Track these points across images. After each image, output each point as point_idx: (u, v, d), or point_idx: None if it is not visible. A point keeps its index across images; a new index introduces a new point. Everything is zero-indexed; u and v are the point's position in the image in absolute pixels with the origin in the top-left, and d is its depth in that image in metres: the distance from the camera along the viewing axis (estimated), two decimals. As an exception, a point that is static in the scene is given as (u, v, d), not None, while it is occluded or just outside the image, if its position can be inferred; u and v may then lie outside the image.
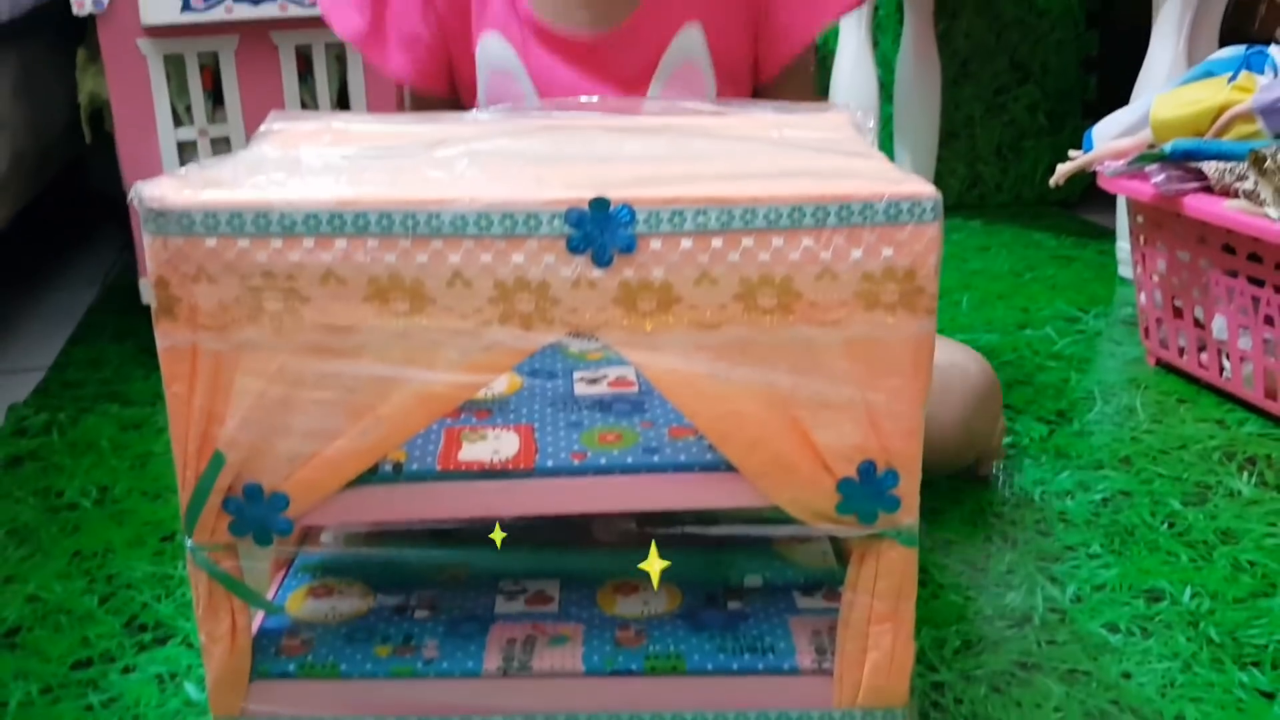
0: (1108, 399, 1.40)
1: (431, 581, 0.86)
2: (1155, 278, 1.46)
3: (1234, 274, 1.32)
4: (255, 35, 1.52)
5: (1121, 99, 1.62)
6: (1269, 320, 1.29)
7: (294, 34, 1.54)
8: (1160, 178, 1.35)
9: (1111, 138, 1.46)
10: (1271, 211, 1.23)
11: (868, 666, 0.75)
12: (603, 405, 0.84)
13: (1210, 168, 1.30)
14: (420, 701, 0.77)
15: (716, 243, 0.66)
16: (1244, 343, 1.34)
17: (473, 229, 0.66)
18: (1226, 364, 1.37)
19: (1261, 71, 1.34)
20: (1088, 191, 2.28)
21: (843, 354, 0.68)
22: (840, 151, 0.75)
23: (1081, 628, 0.95)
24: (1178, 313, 1.44)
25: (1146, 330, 1.50)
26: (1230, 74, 1.35)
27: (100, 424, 1.39)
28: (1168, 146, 1.32)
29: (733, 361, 0.68)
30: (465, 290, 0.67)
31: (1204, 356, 1.41)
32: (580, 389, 0.88)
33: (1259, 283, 1.29)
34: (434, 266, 0.67)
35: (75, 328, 1.72)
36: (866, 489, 0.71)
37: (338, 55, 1.60)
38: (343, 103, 1.61)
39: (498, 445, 0.77)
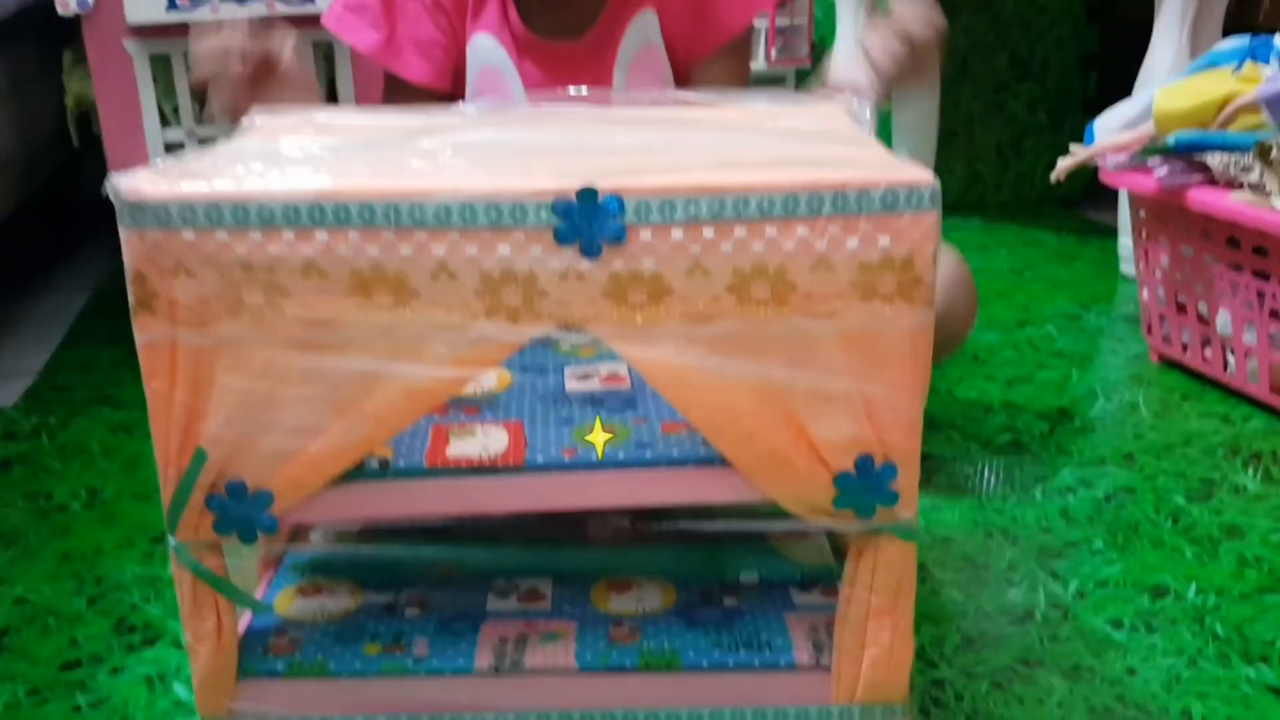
0: (1110, 395, 1.39)
1: (421, 579, 0.84)
2: (1158, 273, 1.44)
3: (1239, 268, 1.31)
4: (244, 34, 1.51)
5: (1122, 95, 1.60)
6: (1275, 314, 1.28)
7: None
8: (1163, 171, 1.33)
9: (1113, 131, 1.44)
10: (1278, 203, 1.21)
11: (866, 662, 0.73)
12: (594, 401, 0.83)
13: (1215, 160, 1.29)
14: (410, 700, 0.75)
15: (708, 233, 0.65)
16: (1249, 338, 1.32)
17: (457, 220, 0.65)
18: (1231, 359, 1.36)
19: (1267, 61, 1.32)
20: (1088, 189, 2.26)
21: (839, 346, 0.67)
22: (835, 140, 0.73)
23: (1084, 624, 0.93)
24: (1181, 308, 1.42)
25: (1149, 326, 1.49)
26: (1235, 64, 1.33)
27: (90, 427, 1.37)
28: (1171, 139, 1.31)
29: (726, 354, 0.67)
30: (451, 283, 0.66)
31: (1208, 352, 1.39)
32: (571, 385, 0.86)
33: (1264, 276, 1.28)
34: (418, 259, 0.65)
35: (66, 333, 1.71)
36: (864, 483, 0.69)
37: (325, 54, 1.59)
38: (331, 101, 1.59)
39: (486, 441, 0.76)
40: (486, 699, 0.75)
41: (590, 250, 0.65)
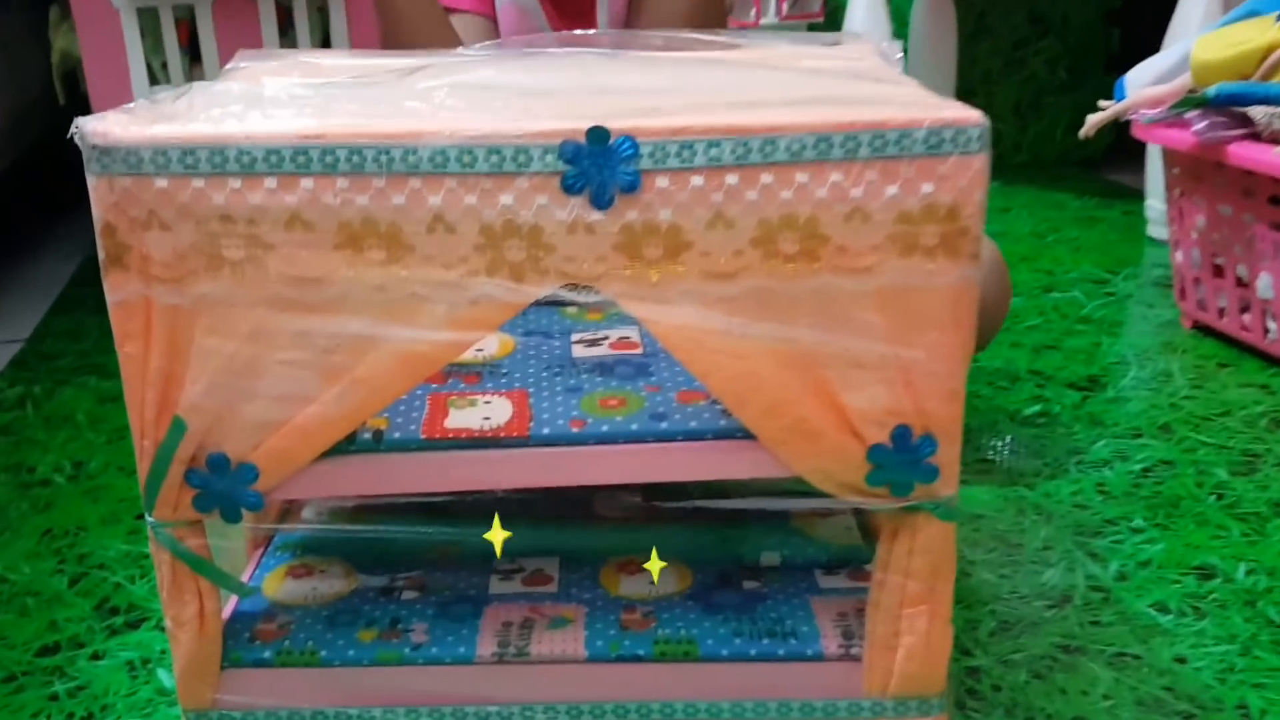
0: (1143, 364, 1.33)
1: (420, 560, 0.79)
2: (1193, 234, 1.37)
3: (1280, 228, 1.24)
4: (234, -14, 1.45)
5: (1147, 52, 1.52)
6: (1318, 277, 1.21)
7: (275, -16, 1.46)
8: (1201, 125, 1.26)
9: (1146, 85, 1.37)
10: (1323, 160, 1.14)
11: (901, 652, 0.67)
12: (604, 368, 0.77)
13: (1258, 113, 1.22)
14: (407, 690, 0.70)
15: (731, 179, 0.58)
16: (1290, 302, 1.26)
17: (455, 166, 0.58)
18: (1272, 325, 1.29)
19: (1311, 10, 1.25)
20: (1110, 150, 2.19)
21: (875, 305, 0.60)
22: (869, 78, 0.67)
23: (1128, 608, 0.87)
24: (1218, 271, 1.35)
25: (1182, 291, 1.42)
26: (1277, 13, 1.26)
27: (78, 396, 1.32)
28: (1211, 91, 1.24)
29: (750, 315, 0.61)
30: (448, 236, 0.60)
31: (1246, 318, 1.33)
32: (579, 351, 0.80)
33: (1308, 237, 1.21)
34: (412, 209, 0.59)
35: (55, 299, 1.66)
36: (900, 457, 0.63)
37: (319, 6, 1.52)
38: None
39: (488, 412, 0.70)
40: (489, 689, 0.69)
41: (601, 200, 0.59)
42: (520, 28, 1.09)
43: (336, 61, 0.74)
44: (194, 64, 1.51)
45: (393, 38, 1.08)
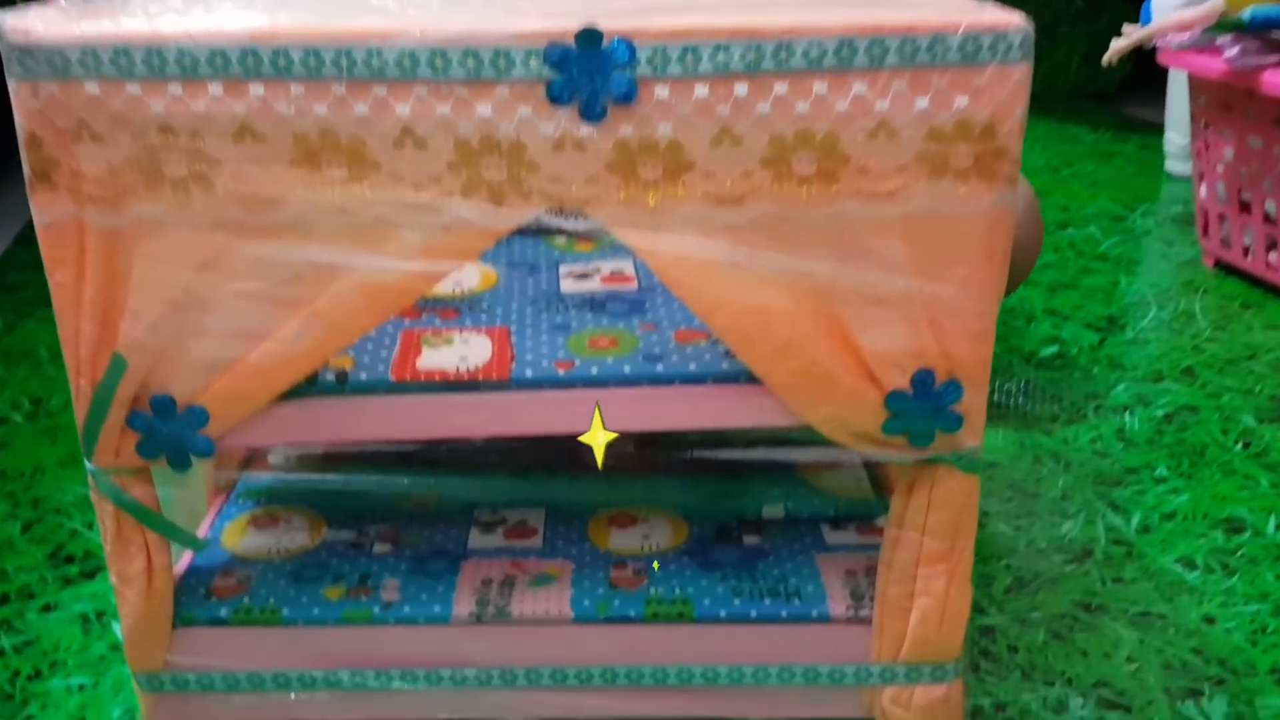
0: (1163, 304, 1.26)
1: (393, 511, 0.73)
2: (1219, 168, 1.30)
3: (1314, 162, 1.17)
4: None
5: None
6: (1353, 214, 1.15)
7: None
8: (1234, 51, 1.18)
9: (1174, 8, 1.29)
10: (1367, 87, 1.07)
11: (915, 615, 0.62)
12: (594, 304, 0.70)
13: (1297, 37, 1.14)
14: (376, 653, 0.64)
15: (740, 89, 0.51)
16: (1320, 240, 1.19)
17: (425, 71, 0.51)
18: (1300, 264, 1.23)
19: (1357, -74, 1.16)
20: (1126, 82, 2.11)
21: (899, 234, 0.54)
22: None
23: (1152, 563, 0.82)
24: (1244, 207, 1.28)
25: (1205, 227, 1.35)
26: (1321, -71, 1.17)
27: (40, 330, 1.25)
28: (1245, 14, 1.16)
29: (758, 245, 0.54)
30: (418, 153, 0.53)
31: (1273, 256, 1.26)
32: (567, 284, 0.73)
33: (1344, 171, 1.14)
34: (377, 120, 0.52)
35: (21, 229, 1.58)
36: (921, 404, 0.57)
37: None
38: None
39: (466, 351, 0.63)
40: (466, 652, 0.64)
41: (592, 112, 0.52)
42: None
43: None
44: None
45: None
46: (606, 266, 0.76)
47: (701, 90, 0.52)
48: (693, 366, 0.61)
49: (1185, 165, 1.65)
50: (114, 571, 0.62)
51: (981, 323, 0.56)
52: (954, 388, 0.57)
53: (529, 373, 0.61)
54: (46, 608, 0.80)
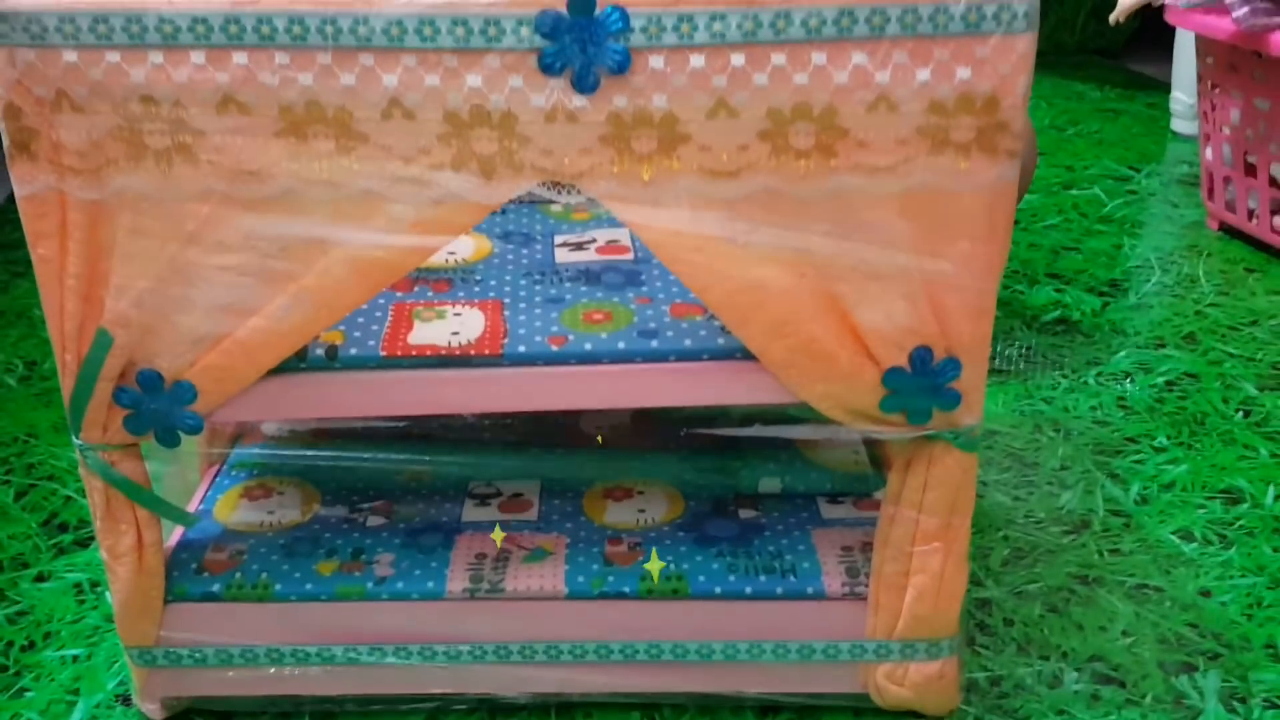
0: (1166, 268, 1.25)
1: (387, 484, 0.72)
2: (1225, 130, 1.28)
3: (1322, 124, 1.15)
4: None
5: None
6: (1361, 178, 1.13)
7: None
8: (1243, 11, 1.16)
9: (1184, -35, 1.26)
10: (1379, 49, 1.05)
11: (911, 592, 0.62)
12: (589, 276, 0.69)
13: (1308, -3, 1.12)
14: (370, 628, 0.64)
15: (737, 59, 0.50)
16: (1327, 204, 1.17)
17: (414, 40, 0.50)
18: (1306, 228, 1.21)
19: (1372, -118, 1.14)
20: (1132, 39, 2.07)
21: (899, 210, 0.53)
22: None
23: (1149, 534, 0.82)
24: (1250, 170, 1.27)
25: (1210, 190, 1.34)
26: (1337, -116, 1.14)
27: (34, 290, 1.23)
28: (1257, -28, 1.13)
29: (755, 219, 0.53)
30: (406, 124, 0.52)
31: (1278, 220, 1.25)
32: (562, 256, 0.72)
33: (1353, 134, 1.13)
34: (364, 91, 0.51)
35: (14, 183, 1.56)
36: (920, 381, 0.56)
37: None
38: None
39: (458, 325, 0.62)
40: (460, 627, 0.64)
41: (584, 82, 0.50)
42: None
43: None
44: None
45: None
46: (602, 236, 0.75)
47: (697, 60, 0.50)
48: (688, 342, 0.60)
49: (1192, 125, 1.62)
50: (104, 547, 0.61)
51: (982, 300, 0.55)
52: (952, 365, 0.56)
53: (521, 348, 0.60)
54: (40, 577, 0.80)
